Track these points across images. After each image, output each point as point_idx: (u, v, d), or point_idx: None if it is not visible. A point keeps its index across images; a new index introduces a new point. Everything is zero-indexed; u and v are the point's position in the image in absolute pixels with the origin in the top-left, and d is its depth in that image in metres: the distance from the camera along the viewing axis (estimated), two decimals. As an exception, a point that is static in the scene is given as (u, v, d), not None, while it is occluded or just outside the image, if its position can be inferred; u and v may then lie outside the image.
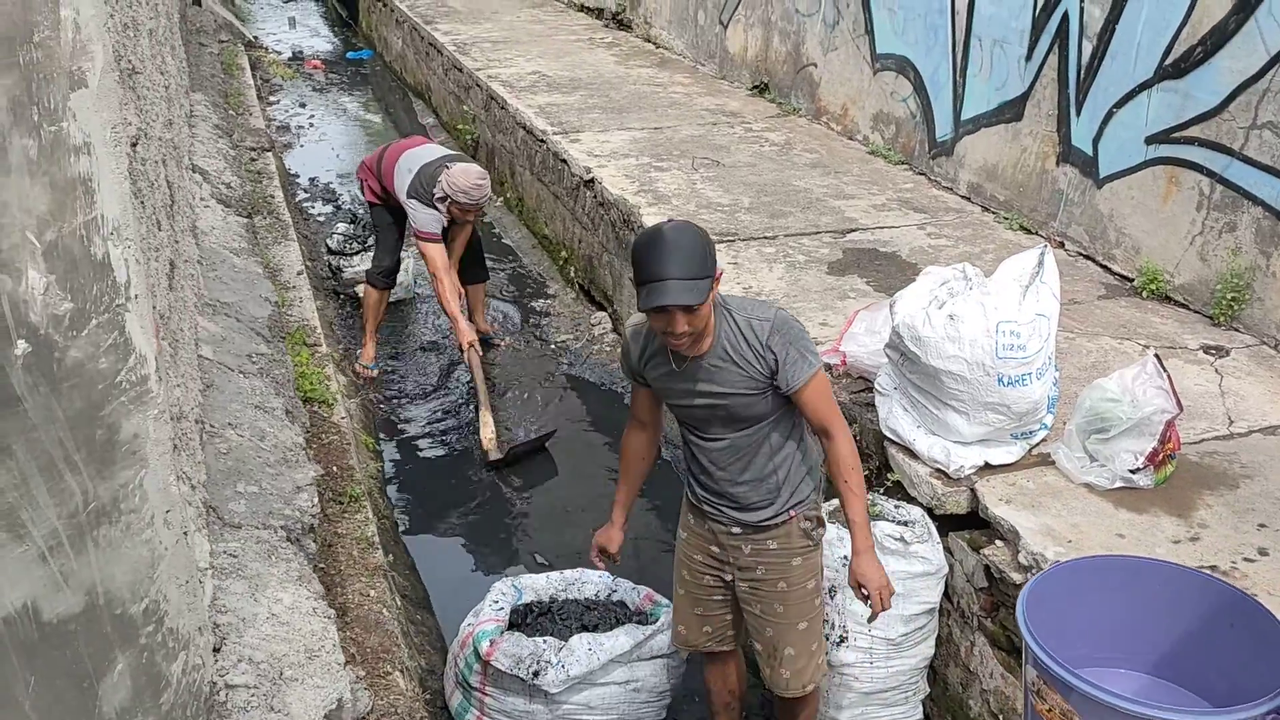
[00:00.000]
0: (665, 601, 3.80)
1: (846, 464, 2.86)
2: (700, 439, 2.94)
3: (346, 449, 4.31)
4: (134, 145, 2.08)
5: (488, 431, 5.36)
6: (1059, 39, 5.20)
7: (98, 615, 1.78)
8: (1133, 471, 3.32)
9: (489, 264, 6.58)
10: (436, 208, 5.48)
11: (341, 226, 6.95)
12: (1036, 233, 5.46)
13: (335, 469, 4.15)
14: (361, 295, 6.24)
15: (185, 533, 1.88)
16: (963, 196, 6.02)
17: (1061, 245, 5.30)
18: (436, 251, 5.57)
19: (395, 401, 5.95)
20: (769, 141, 7.17)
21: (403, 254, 6.50)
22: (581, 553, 4.65)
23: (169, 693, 1.90)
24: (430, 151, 5.68)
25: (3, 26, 1.46)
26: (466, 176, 5.44)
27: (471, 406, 5.74)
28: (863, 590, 2.89)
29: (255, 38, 14.19)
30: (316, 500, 2.99)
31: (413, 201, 5.49)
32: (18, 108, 1.50)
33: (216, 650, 2.20)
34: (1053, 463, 3.50)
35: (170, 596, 1.87)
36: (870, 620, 2.99)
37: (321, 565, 3.47)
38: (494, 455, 5.28)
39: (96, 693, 1.80)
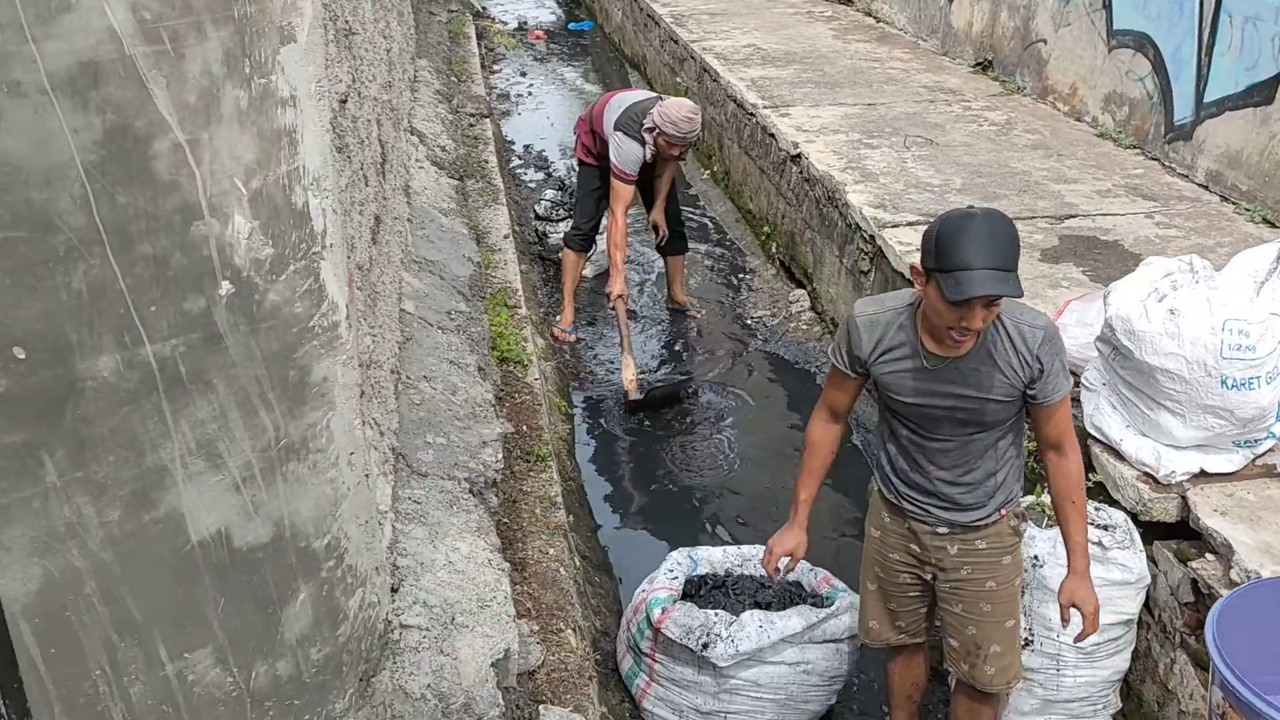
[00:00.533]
0: (842, 586, 3.73)
1: (1075, 482, 2.74)
2: (923, 438, 2.80)
3: (537, 409, 4.41)
4: (343, 102, 2.16)
5: (629, 374, 5.61)
6: (1322, 15, 4.75)
7: (283, 546, 1.87)
8: (1371, 492, 3.02)
9: (689, 237, 6.59)
10: (643, 138, 5.45)
11: (549, 193, 7.10)
12: (1281, 227, 5.02)
13: (525, 428, 4.25)
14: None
15: (367, 475, 1.96)
16: (1199, 184, 5.59)
17: (1309, 242, 4.84)
18: (624, 191, 5.57)
19: (592, 368, 6.05)
20: (988, 121, 6.87)
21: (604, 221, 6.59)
22: (760, 532, 4.63)
23: (345, 625, 1.99)
24: (644, 94, 5.72)
25: (220, -20, 1.54)
26: (679, 108, 5.40)
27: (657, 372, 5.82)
28: (1071, 609, 2.76)
29: (484, 8, 14.65)
30: (501, 456, 3.07)
31: (617, 134, 5.50)
32: (231, 60, 1.58)
33: (394, 591, 2.30)
34: (1279, 475, 3.22)
35: (350, 535, 1.96)
36: (1077, 640, 2.85)
37: (504, 520, 3.57)
38: (633, 396, 5.53)
39: (279, 619, 1.90)
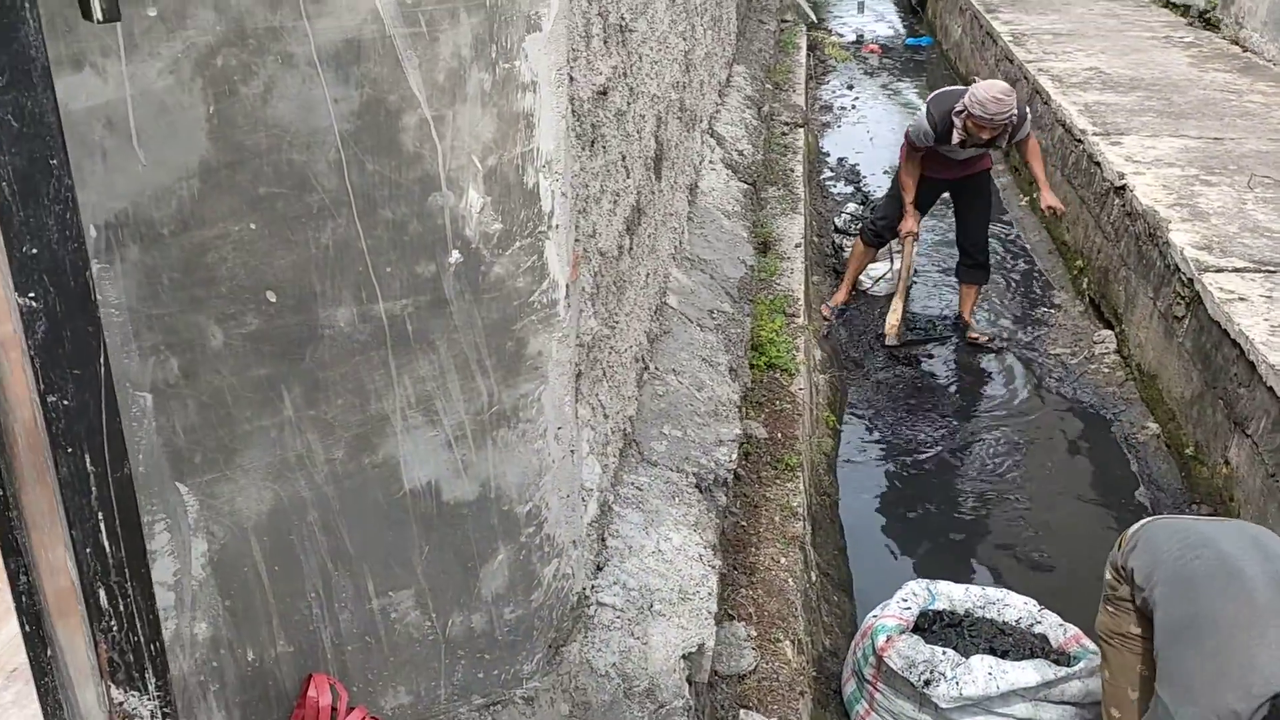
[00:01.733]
0: (1092, 647, 3.46)
1: None
2: None
3: (797, 418, 4.38)
4: (602, 93, 2.25)
5: (894, 317, 5.88)
6: None
7: (488, 506, 1.98)
8: None
9: (997, 266, 6.34)
10: (951, 121, 5.46)
11: (851, 206, 7.03)
12: None
13: (780, 435, 4.24)
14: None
15: (573, 451, 2.04)
16: None
17: None
18: (908, 156, 5.81)
19: (871, 386, 5.93)
20: (1355, 166, 6.12)
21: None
22: (1012, 580, 4.38)
23: (539, 592, 2.08)
24: (998, 82, 5.69)
25: (476, -30, 1.65)
26: (989, 89, 5.35)
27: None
28: None
29: (820, 20, 14.66)
30: (735, 456, 3.09)
31: (919, 114, 5.75)
32: (479, 44, 1.69)
33: (599, 569, 2.37)
34: None
35: (551, 505, 2.04)
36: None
37: (742, 523, 3.59)
38: (890, 340, 5.90)
39: (478, 575, 2.02)
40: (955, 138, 5.46)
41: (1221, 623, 2.49)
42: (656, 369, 3.17)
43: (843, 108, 11.50)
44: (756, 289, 4.94)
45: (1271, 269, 4.79)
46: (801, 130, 8.15)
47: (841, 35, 15.03)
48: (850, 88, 12.27)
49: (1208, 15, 9.99)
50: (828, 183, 9.10)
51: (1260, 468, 4.06)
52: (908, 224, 5.90)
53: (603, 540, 2.41)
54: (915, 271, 6.90)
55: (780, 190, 6.59)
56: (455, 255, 1.80)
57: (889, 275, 6.81)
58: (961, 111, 5.36)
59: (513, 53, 1.72)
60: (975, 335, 6.17)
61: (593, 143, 2.22)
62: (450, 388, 1.88)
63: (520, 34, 1.72)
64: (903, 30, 15.84)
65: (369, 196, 1.71)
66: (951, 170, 5.84)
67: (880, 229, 6.18)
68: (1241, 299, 4.52)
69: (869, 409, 5.70)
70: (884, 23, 16.56)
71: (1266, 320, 4.33)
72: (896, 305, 5.89)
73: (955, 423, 5.53)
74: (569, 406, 2.01)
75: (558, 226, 1.86)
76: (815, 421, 5.15)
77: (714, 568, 2.56)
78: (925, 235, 7.45)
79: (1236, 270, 4.79)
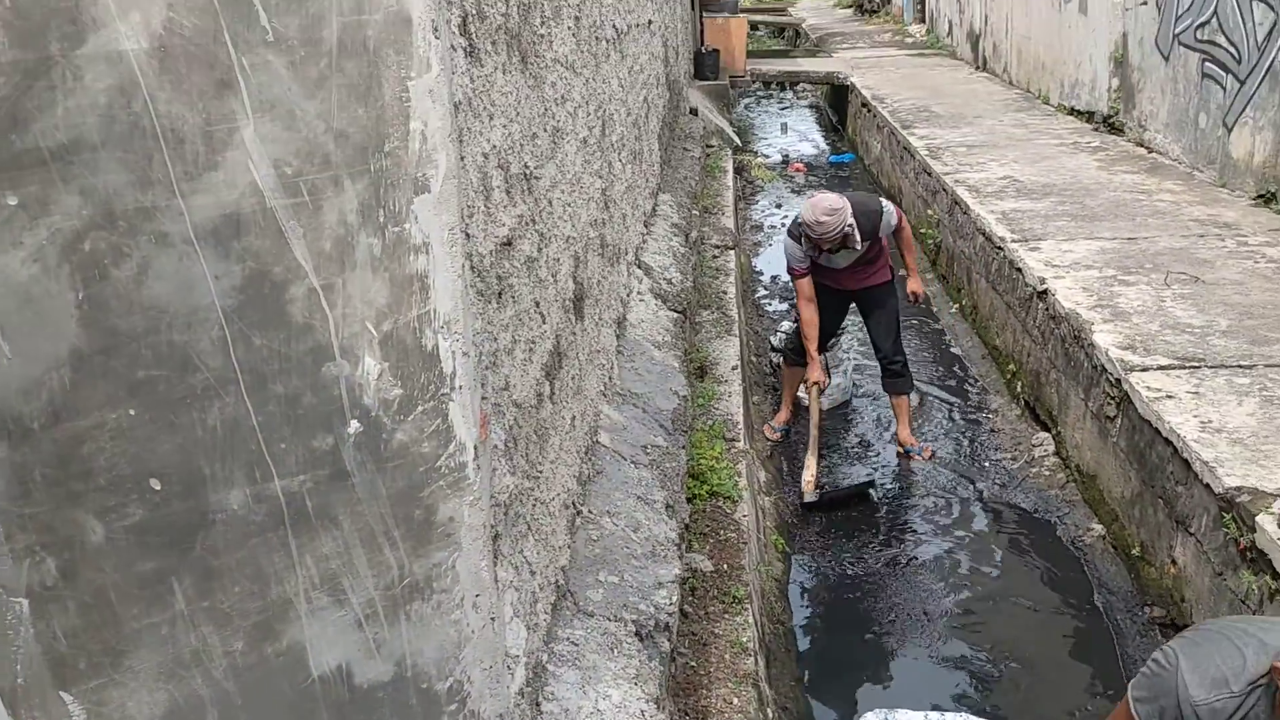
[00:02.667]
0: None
1: None
2: None
3: (742, 548, 4.30)
4: (507, 244, 2.22)
5: (809, 474, 5.71)
6: None
7: (404, 686, 1.87)
8: None
9: (931, 376, 6.39)
10: (800, 241, 5.76)
11: (786, 324, 7.08)
12: None
13: (726, 566, 4.14)
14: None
15: (493, 618, 1.94)
16: None
17: None
18: (798, 284, 5.98)
19: (816, 506, 5.87)
20: (1266, 258, 6.29)
21: (842, 356, 6.57)
22: (975, 701, 4.27)
23: (467, 773, 1.95)
24: (829, 198, 5.83)
25: (358, 137, 1.62)
26: (815, 209, 5.59)
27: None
28: None
29: (745, 143, 15.05)
30: (675, 598, 2.99)
31: (785, 237, 5.95)
32: (366, 210, 1.65)
33: (534, 737, 2.24)
34: None
35: (474, 679, 1.93)
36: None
37: (691, 664, 3.46)
38: (808, 498, 5.66)
39: (399, 761, 1.89)
40: (803, 253, 5.82)
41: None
42: (590, 512, 3.08)
43: (773, 226, 11.71)
44: (694, 416, 4.89)
45: (1195, 365, 4.85)
46: (733, 252, 8.25)
47: (767, 156, 15.42)
48: (779, 206, 12.52)
49: (1111, 120, 10.38)
50: (763, 301, 9.19)
51: (1207, 566, 4.03)
52: (812, 372, 5.95)
53: (537, 705, 2.29)
54: (853, 394, 6.95)
55: (714, 314, 6.62)
56: (354, 425, 1.72)
57: (828, 391, 6.83)
58: (801, 224, 5.69)
59: (402, 216, 1.68)
60: (913, 456, 6.17)
61: (500, 294, 2.18)
62: (357, 564, 1.78)
63: (408, 196, 1.68)
64: (826, 148, 16.30)
65: (258, 372, 1.64)
66: (846, 280, 6.00)
67: (799, 348, 6.25)
68: (1169, 396, 4.56)
69: (818, 531, 5.62)
70: (807, 142, 17.04)
71: (1196, 417, 4.36)
72: (810, 461, 5.78)
73: (905, 536, 5.48)
74: (486, 571, 1.92)
75: (461, 387, 1.80)
76: (764, 547, 5.06)
77: (657, 723, 2.44)
78: (858, 346, 7.55)
79: (1162, 368, 4.84)
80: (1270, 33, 7.24)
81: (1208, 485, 3.99)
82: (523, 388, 2.35)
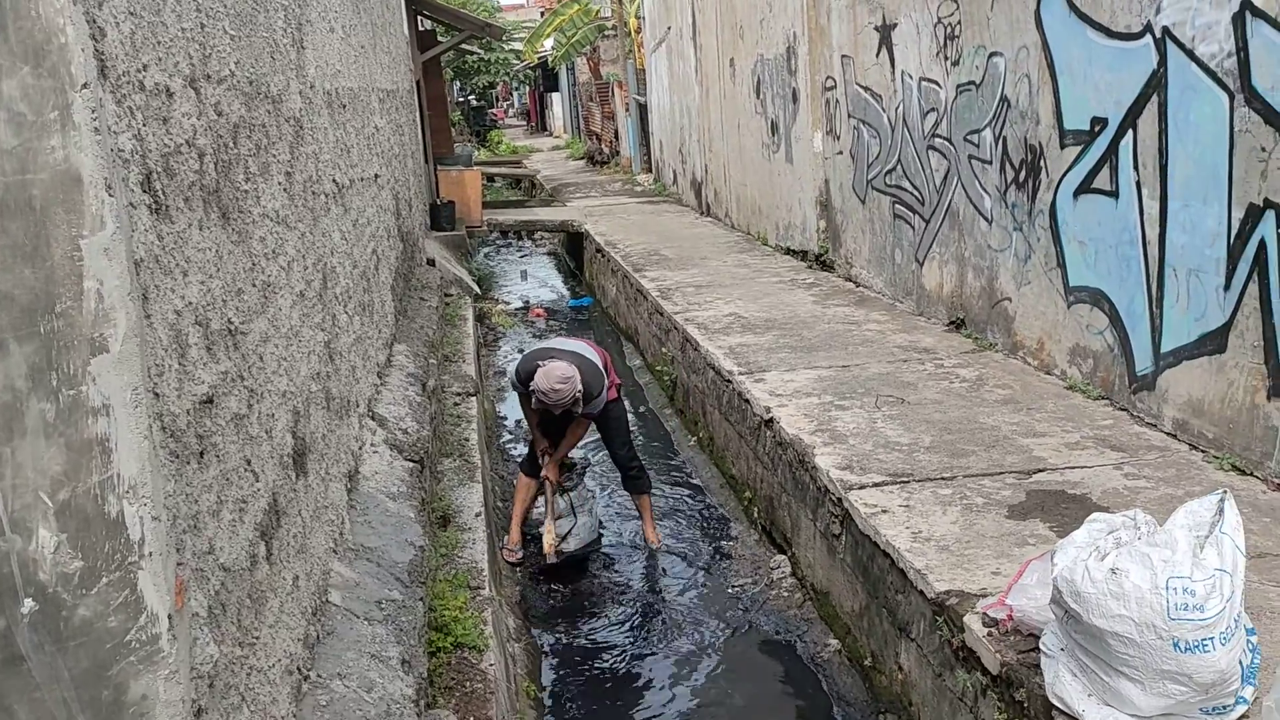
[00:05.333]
0: None
1: None
2: None
3: (489, 698, 4.20)
4: (208, 402, 2.16)
5: (549, 537, 6.41)
6: (1258, 266, 4.82)
7: None
8: (1350, 763, 2.77)
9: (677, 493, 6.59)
10: (531, 393, 6.23)
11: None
12: (1251, 473, 4.91)
13: (474, 719, 4.04)
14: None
15: (197, 800, 1.82)
16: (1168, 433, 5.54)
17: (1281, 487, 4.74)
18: (524, 408, 6.61)
19: (567, 646, 5.84)
20: (959, 378, 6.92)
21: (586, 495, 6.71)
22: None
23: None
24: (557, 344, 6.70)
25: (25, 299, 1.57)
26: (548, 379, 6.13)
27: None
28: None
29: (485, 290, 15.24)
30: (412, 759, 2.89)
31: (512, 377, 6.60)
32: (36, 374, 1.58)
33: None
34: (1252, 747, 2.97)
35: None
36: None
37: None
38: (550, 560, 6.40)
39: None
40: (534, 403, 6.27)
41: None
42: (319, 676, 2.95)
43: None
44: (437, 566, 4.80)
45: (905, 479, 5.22)
46: (475, 399, 8.27)
47: (508, 303, 15.66)
48: (521, 352, 12.65)
49: (822, 258, 11.24)
50: (508, 446, 9.21)
51: (928, 669, 4.27)
52: (547, 469, 6.62)
53: None
54: (601, 534, 7.09)
55: (456, 461, 6.58)
56: (29, 604, 1.61)
57: (575, 531, 6.90)
58: (534, 390, 6.16)
59: (78, 378, 1.62)
60: (658, 546, 6.80)
61: (201, 454, 2.11)
62: (35, 755, 1.64)
63: (85, 358, 1.63)
64: (565, 293, 16.75)
65: (-88, 553, 1.52)
66: (555, 410, 6.39)
67: (535, 456, 6.74)
68: (884, 511, 4.88)
69: (569, 670, 5.59)
70: (547, 287, 17.47)
71: (908, 528, 4.68)
72: (549, 526, 6.47)
73: (655, 667, 5.53)
74: (186, 749, 1.80)
75: (152, 554, 1.72)
76: (514, 695, 4.96)
77: None
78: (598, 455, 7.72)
79: (876, 484, 5.19)
80: (945, 177, 8.12)
81: (921, 591, 4.27)
82: (232, 550, 2.26)
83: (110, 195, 1.64)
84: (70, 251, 1.60)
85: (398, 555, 3.93)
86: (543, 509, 6.98)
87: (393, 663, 3.23)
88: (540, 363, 6.28)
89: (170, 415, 1.94)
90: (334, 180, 4.75)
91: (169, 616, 1.75)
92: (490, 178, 25.37)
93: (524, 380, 6.34)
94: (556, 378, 6.09)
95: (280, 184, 3.35)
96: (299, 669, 2.80)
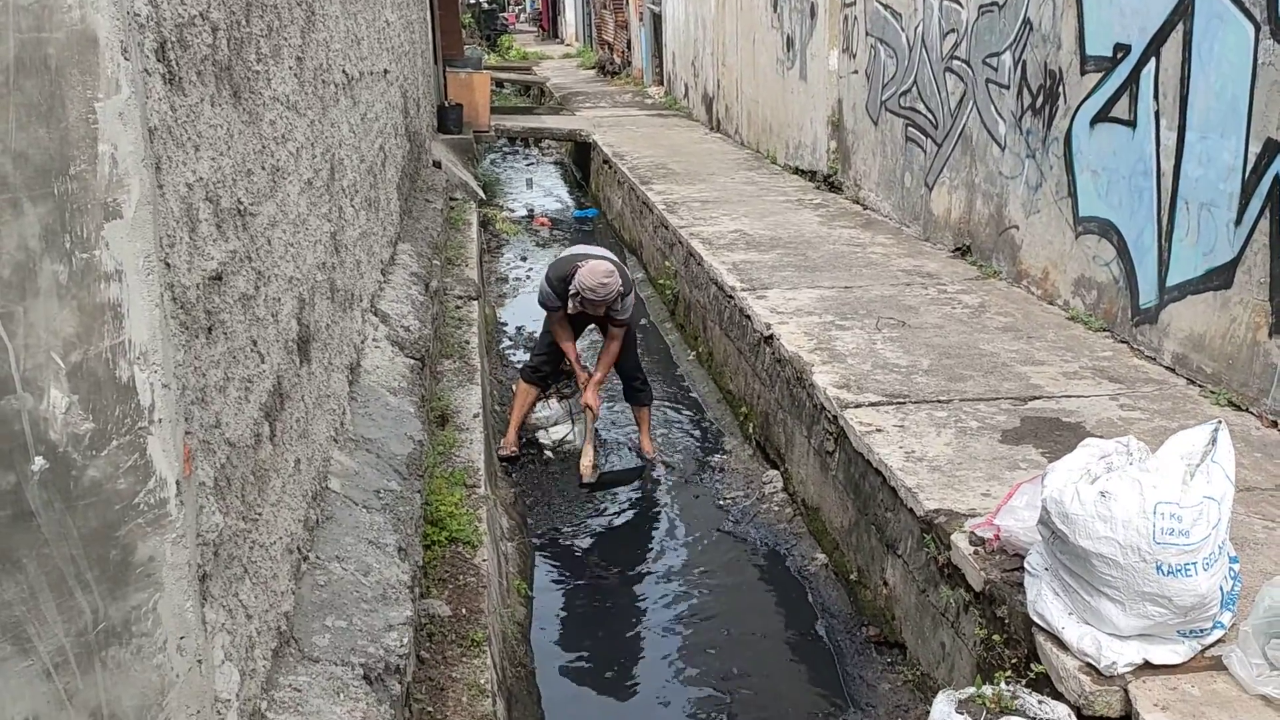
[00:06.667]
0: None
1: None
2: None
3: (481, 592, 4.29)
4: (217, 278, 2.17)
5: (586, 460, 6.47)
6: (1270, 202, 4.80)
7: (101, 738, 1.77)
8: (1320, 687, 2.85)
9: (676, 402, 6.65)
10: (564, 290, 6.25)
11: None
12: (1247, 409, 4.95)
13: (465, 611, 4.12)
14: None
15: (200, 661, 1.87)
16: (1166, 367, 5.56)
17: (1275, 425, 4.77)
18: (551, 315, 6.58)
19: (559, 549, 5.94)
20: (962, 304, 6.92)
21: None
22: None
23: (171, 827, 1.86)
24: (584, 249, 6.65)
25: (40, 159, 1.56)
26: (593, 275, 6.10)
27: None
28: None
29: (490, 197, 15.13)
30: (407, 640, 2.95)
31: (543, 283, 6.52)
32: (50, 235, 1.59)
33: (251, 787, 2.16)
34: (1225, 667, 3.04)
35: (179, 725, 1.85)
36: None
37: (429, 709, 3.41)
38: (587, 479, 6.43)
39: (95, 819, 1.78)
40: (570, 308, 6.29)
41: None
42: (318, 558, 3.01)
43: (518, 279, 11.82)
44: (434, 463, 4.86)
45: (900, 400, 5.26)
46: (476, 303, 8.27)
47: (513, 211, 15.56)
48: (524, 259, 12.66)
49: (831, 179, 11.16)
50: (507, 352, 9.24)
51: (913, 585, 4.35)
52: (587, 397, 6.61)
53: (253, 755, 2.21)
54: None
55: (456, 363, 6.61)
56: (39, 462, 1.64)
57: (570, 437, 6.98)
58: (576, 295, 6.15)
59: (91, 242, 1.63)
60: (652, 457, 6.85)
61: (209, 330, 2.13)
62: (44, 610, 1.69)
63: (98, 222, 1.63)
64: (570, 203, 16.63)
65: (-75, 406, 1.54)
66: (594, 311, 6.39)
67: (539, 365, 6.81)
68: (879, 430, 4.92)
69: (560, 572, 5.69)
70: (552, 197, 17.33)
71: (901, 448, 4.72)
72: (587, 450, 6.51)
73: (645, 574, 5.63)
74: (192, 613, 1.85)
75: (161, 420, 1.75)
76: (506, 591, 5.06)
77: (384, 765, 2.40)
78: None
79: (872, 404, 5.23)
80: (961, 101, 8.02)
81: (911, 510, 4.33)
82: (237, 426, 2.29)
83: (126, 59, 1.63)
84: (85, 113, 1.59)
85: (397, 448, 3.98)
86: (540, 414, 7.05)
87: (389, 549, 3.29)
88: (578, 264, 6.27)
89: (181, 287, 1.95)
90: (344, 71, 4.70)
91: (177, 482, 1.78)
92: (499, 83, 25.01)
93: (561, 283, 6.30)
94: (602, 272, 6.10)
95: (291, 69, 3.32)
96: (299, 549, 2.85)
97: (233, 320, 2.30)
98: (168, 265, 1.87)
